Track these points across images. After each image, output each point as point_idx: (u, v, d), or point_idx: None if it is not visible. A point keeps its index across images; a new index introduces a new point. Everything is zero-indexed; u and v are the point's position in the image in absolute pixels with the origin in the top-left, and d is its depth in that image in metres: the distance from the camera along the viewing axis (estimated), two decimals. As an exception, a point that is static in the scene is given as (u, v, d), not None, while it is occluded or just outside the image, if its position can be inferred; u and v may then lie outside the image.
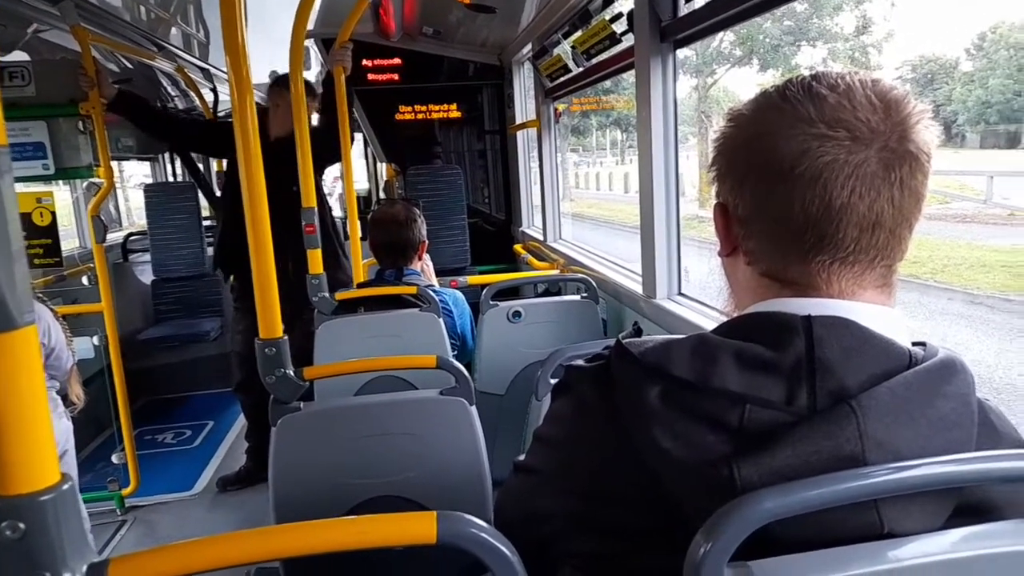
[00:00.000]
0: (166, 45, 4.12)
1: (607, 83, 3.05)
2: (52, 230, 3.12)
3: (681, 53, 2.28)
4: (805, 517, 0.59)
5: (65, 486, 0.65)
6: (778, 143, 0.69)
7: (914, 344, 0.70)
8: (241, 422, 4.16)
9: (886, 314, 0.70)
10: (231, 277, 3.63)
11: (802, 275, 0.71)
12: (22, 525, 0.62)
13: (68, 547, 0.64)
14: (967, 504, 0.64)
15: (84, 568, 0.66)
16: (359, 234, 3.24)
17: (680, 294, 2.34)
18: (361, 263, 3.22)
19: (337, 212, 5.44)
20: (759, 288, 0.75)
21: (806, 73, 0.72)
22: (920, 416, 0.64)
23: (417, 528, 0.71)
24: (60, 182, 4.44)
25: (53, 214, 3.15)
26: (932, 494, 0.62)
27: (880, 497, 0.60)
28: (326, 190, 4.26)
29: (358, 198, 3.39)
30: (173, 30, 4.17)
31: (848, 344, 0.66)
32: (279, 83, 3.26)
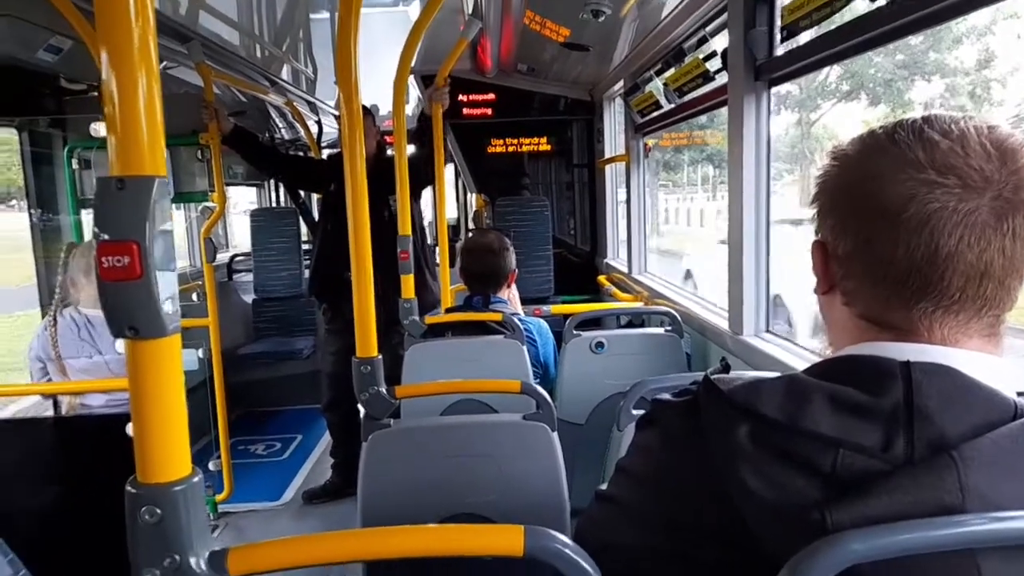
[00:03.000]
0: (278, 80, 4.40)
1: (702, 118, 3.06)
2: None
3: (783, 88, 2.27)
4: (897, 565, 0.57)
5: (195, 479, 0.73)
6: (885, 186, 0.68)
7: (1020, 394, 0.67)
8: (327, 438, 4.30)
9: (991, 362, 0.68)
10: (324, 304, 3.80)
11: (903, 320, 0.70)
12: (159, 511, 0.70)
13: (195, 534, 0.72)
14: None
15: (207, 554, 0.73)
16: (448, 261, 3.34)
17: (768, 331, 2.30)
18: (449, 288, 3.31)
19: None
20: (856, 330, 0.73)
21: (918, 115, 0.71)
22: None
23: (505, 540, 0.74)
24: (175, 205, 4.78)
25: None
26: None
27: (979, 547, 0.58)
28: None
29: (448, 227, 3.50)
30: (285, 67, 4.46)
31: (949, 392, 0.64)
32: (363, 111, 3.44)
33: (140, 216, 0.67)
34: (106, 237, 0.67)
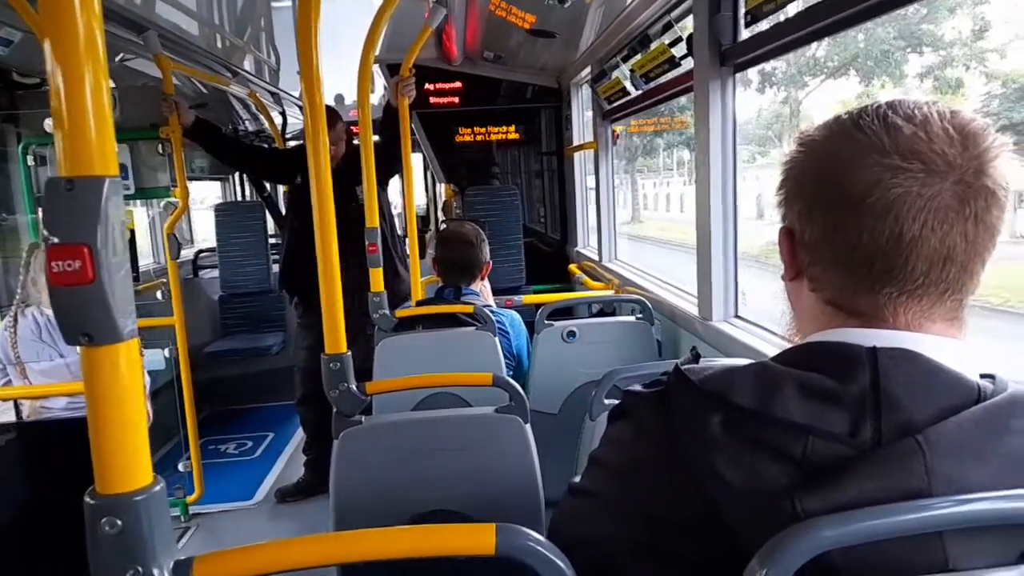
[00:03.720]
0: (240, 71, 4.31)
1: (683, 100, 3.04)
2: (132, 246, 3.29)
3: (768, 65, 2.28)
4: (867, 548, 0.58)
5: (157, 487, 0.70)
6: (850, 172, 0.68)
7: (983, 376, 0.68)
8: (299, 435, 4.26)
9: (955, 347, 0.69)
10: (295, 298, 3.75)
11: (868, 306, 0.70)
12: (119, 522, 0.68)
13: (158, 544, 0.70)
14: None
15: (171, 564, 0.71)
16: (418, 252, 3.32)
17: (737, 316, 2.32)
18: (419, 280, 3.29)
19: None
20: (823, 316, 0.74)
21: (882, 101, 0.71)
22: (990, 453, 0.62)
23: (477, 539, 0.74)
24: (137, 202, 4.68)
25: (132, 232, 3.33)
26: (1000, 531, 0.61)
27: (945, 530, 0.59)
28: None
29: (417, 217, 3.47)
30: (247, 57, 4.38)
31: (914, 377, 0.65)
32: (331, 115, 3.39)
33: (91, 218, 0.64)
34: (56, 240, 0.64)
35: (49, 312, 2.66)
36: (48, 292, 0.65)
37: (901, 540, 0.58)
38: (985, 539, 0.61)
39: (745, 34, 2.11)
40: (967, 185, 0.65)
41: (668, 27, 2.84)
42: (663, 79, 2.92)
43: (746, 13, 2.03)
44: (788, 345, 0.79)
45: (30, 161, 3.37)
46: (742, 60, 2.14)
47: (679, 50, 2.64)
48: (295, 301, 3.75)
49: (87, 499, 0.69)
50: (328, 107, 2.82)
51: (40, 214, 3.40)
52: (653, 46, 2.97)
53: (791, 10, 1.84)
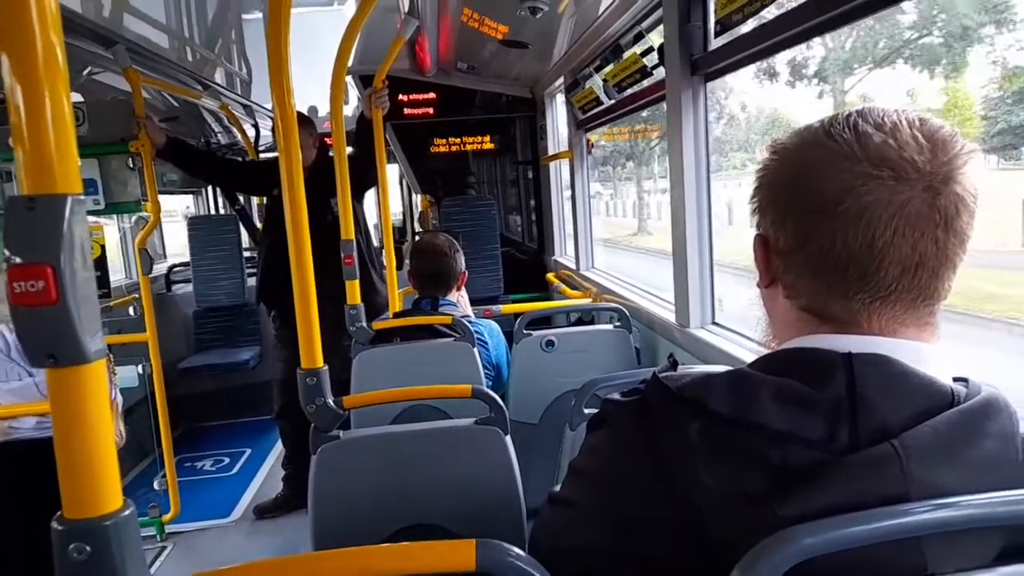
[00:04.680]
0: (211, 84, 4.28)
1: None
2: (102, 263, 3.24)
3: (800, 54, 2.16)
4: (846, 554, 0.58)
5: (127, 512, 0.69)
6: (822, 180, 0.69)
7: (956, 380, 0.69)
8: (277, 450, 4.22)
9: (927, 352, 0.70)
10: (272, 311, 3.72)
11: (842, 312, 0.71)
12: (88, 548, 0.66)
13: (129, 570, 0.68)
14: (1015, 546, 0.63)
15: (143, 590, 0.69)
16: (395, 264, 3.30)
17: (714, 323, 2.34)
18: (397, 292, 3.27)
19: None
20: (798, 322, 0.74)
21: (853, 109, 0.72)
22: (964, 456, 0.63)
23: (457, 556, 0.73)
24: (107, 217, 4.60)
25: (103, 247, 3.28)
26: (977, 534, 0.61)
27: (923, 535, 0.60)
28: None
29: (393, 228, 3.46)
30: (218, 70, 4.34)
31: (889, 382, 0.66)
32: (300, 119, 3.38)
33: (54, 237, 0.62)
34: (18, 260, 0.63)
35: None
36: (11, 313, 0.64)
37: (880, 544, 0.59)
38: (963, 542, 0.61)
39: (715, 43, 2.13)
40: (936, 192, 0.66)
41: (640, 37, 2.86)
42: (635, 88, 2.94)
43: (716, 23, 2.05)
44: (764, 351, 0.79)
45: (-6, 177, 3.30)
46: (712, 69, 2.16)
47: (651, 60, 2.66)
48: (272, 314, 3.72)
49: (55, 524, 0.67)
50: (298, 112, 2.80)
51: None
52: (625, 56, 2.99)
53: (759, 20, 1.86)
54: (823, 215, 0.69)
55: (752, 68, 2.19)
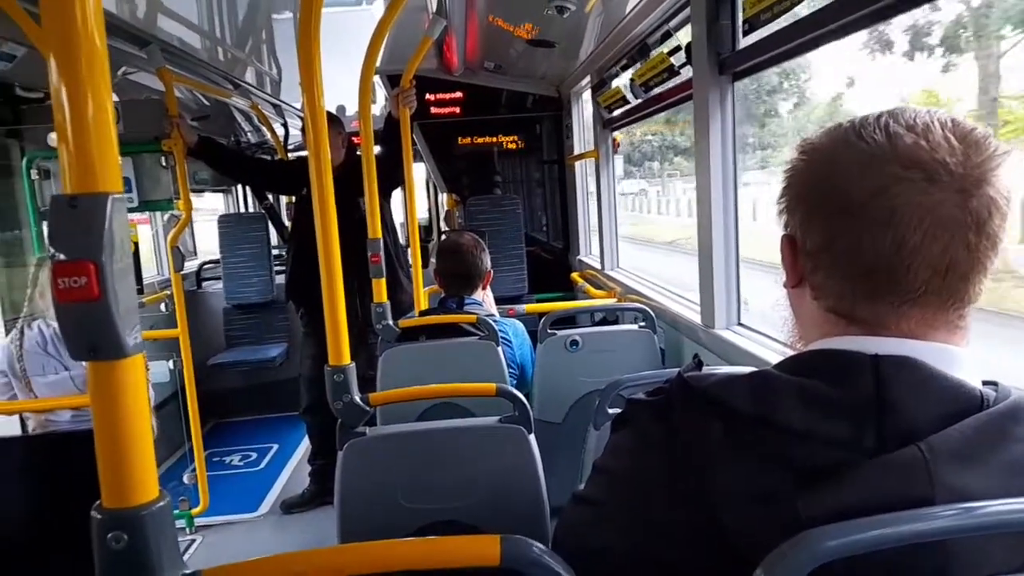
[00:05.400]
0: (241, 83, 4.34)
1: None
2: (135, 259, 3.31)
3: (935, 15, 1.94)
4: (868, 556, 0.58)
5: (163, 502, 0.71)
6: (851, 180, 0.68)
7: (985, 384, 0.68)
8: (304, 445, 4.26)
9: (957, 355, 0.69)
10: (300, 308, 3.77)
11: (870, 314, 0.70)
12: (126, 536, 0.68)
13: (164, 559, 0.70)
14: None
15: (178, 578, 0.71)
16: (420, 262, 3.33)
17: (740, 324, 2.32)
18: (423, 290, 3.29)
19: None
20: (825, 324, 0.74)
21: (884, 109, 0.71)
22: (993, 460, 0.62)
23: (482, 550, 0.74)
24: (141, 214, 4.69)
25: (136, 244, 3.34)
26: (1004, 539, 0.60)
27: (949, 539, 0.59)
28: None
29: (419, 227, 3.48)
30: (248, 69, 4.40)
31: (917, 385, 0.65)
32: (328, 119, 3.41)
33: (96, 235, 0.64)
34: (62, 257, 0.65)
35: (55, 324, 2.67)
36: (54, 308, 0.66)
37: (903, 547, 0.58)
38: (988, 547, 0.61)
39: (744, 42, 2.11)
40: (969, 194, 0.65)
41: (667, 36, 2.84)
42: (662, 88, 2.93)
43: (744, 21, 2.04)
44: (791, 352, 0.79)
45: (34, 175, 3.38)
46: (741, 68, 2.14)
47: (678, 59, 2.65)
48: (300, 311, 3.77)
49: (94, 514, 0.69)
50: (327, 112, 2.83)
51: (44, 227, 3.41)
52: (652, 55, 2.98)
53: (789, 18, 1.84)
54: (851, 216, 0.68)
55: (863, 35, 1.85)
